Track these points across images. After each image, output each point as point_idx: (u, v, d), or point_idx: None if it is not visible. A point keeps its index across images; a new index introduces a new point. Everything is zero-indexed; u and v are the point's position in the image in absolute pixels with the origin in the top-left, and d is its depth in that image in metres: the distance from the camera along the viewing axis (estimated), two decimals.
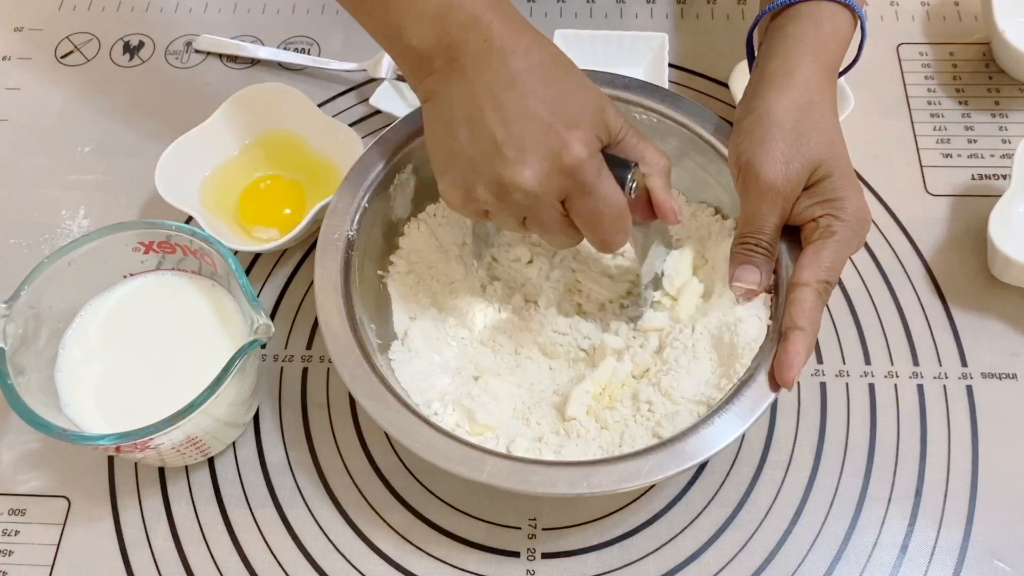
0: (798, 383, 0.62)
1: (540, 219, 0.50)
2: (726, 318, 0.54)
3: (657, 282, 0.59)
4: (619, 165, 0.50)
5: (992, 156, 0.72)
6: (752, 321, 0.53)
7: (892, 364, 0.63)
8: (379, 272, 0.61)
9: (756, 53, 0.60)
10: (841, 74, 0.59)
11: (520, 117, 0.47)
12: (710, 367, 0.54)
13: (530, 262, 0.62)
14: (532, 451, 0.53)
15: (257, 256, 0.68)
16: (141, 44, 0.80)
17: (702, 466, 0.59)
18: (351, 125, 0.68)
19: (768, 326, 0.53)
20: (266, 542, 0.57)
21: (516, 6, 0.52)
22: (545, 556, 0.56)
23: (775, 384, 0.50)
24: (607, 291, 0.61)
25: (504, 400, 0.56)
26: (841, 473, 0.59)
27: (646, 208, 0.53)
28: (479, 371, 0.58)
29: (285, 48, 0.79)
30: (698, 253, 0.61)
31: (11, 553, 0.57)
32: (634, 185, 0.51)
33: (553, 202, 0.49)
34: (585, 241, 0.51)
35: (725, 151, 0.58)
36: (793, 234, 0.54)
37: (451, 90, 0.49)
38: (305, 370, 0.63)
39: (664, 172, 0.53)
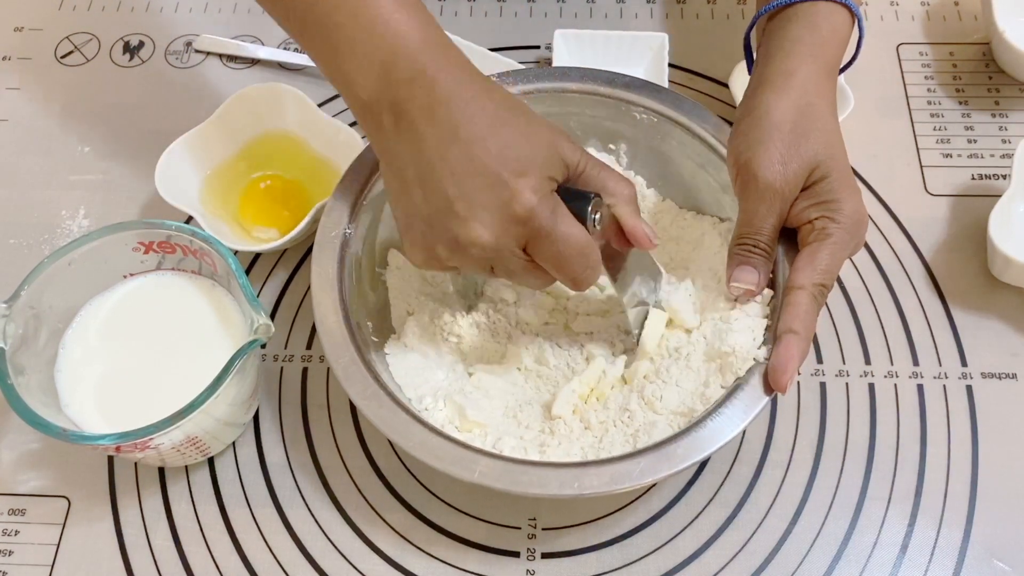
0: (797, 383, 0.62)
1: (506, 268, 0.50)
2: (720, 330, 0.54)
3: (646, 311, 0.57)
4: (577, 199, 0.49)
5: (992, 156, 0.72)
6: (745, 333, 0.53)
7: (892, 364, 0.63)
8: (377, 269, 0.61)
9: (754, 55, 0.60)
10: (840, 72, 0.59)
11: (468, 171, 0.47)
12: (700, 378, 0.54)
13: (516, 301, 0.61)
14: (518, 449, 0.53)
15: (257, 256, 0.68)
16: (141, 44, 0.80)
17: (701, 466, 0.59)
18: (351, 125, 0.68)
19: (761, 341, 0.53)
20: (266, 542, 0.57)
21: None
22: (545, 556, 0.56)
23: (769, 388, 0.50)
24: (602, 331, 0.60)
25: (496, 397, 0.56)
26: (841, 473, 0.59)
27: (621, 237, 0.52)
28: (473, 368, 0.58)
29: (285, 48, 0.79)
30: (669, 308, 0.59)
31: (11, 553, 0.57)
32: (597, 217, 0.50)
33: (514, 251, 0.48)
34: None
35: (724, 151, 0.58)
36: (791, 237, 0.54)
37: (402, 149, 0.48)
38: (305, 370, 0.63)
39: (630, 199, 0.52)
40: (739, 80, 0.72)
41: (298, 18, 0.50)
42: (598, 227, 0.50)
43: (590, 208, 0.49)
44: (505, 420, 0.56)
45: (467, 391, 0.56)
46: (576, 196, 0.49)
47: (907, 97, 0.75)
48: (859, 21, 0.58)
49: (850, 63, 0.61)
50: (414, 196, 0.48)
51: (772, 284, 0.54)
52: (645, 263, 0.57)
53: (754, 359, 0.52)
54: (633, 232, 0.52)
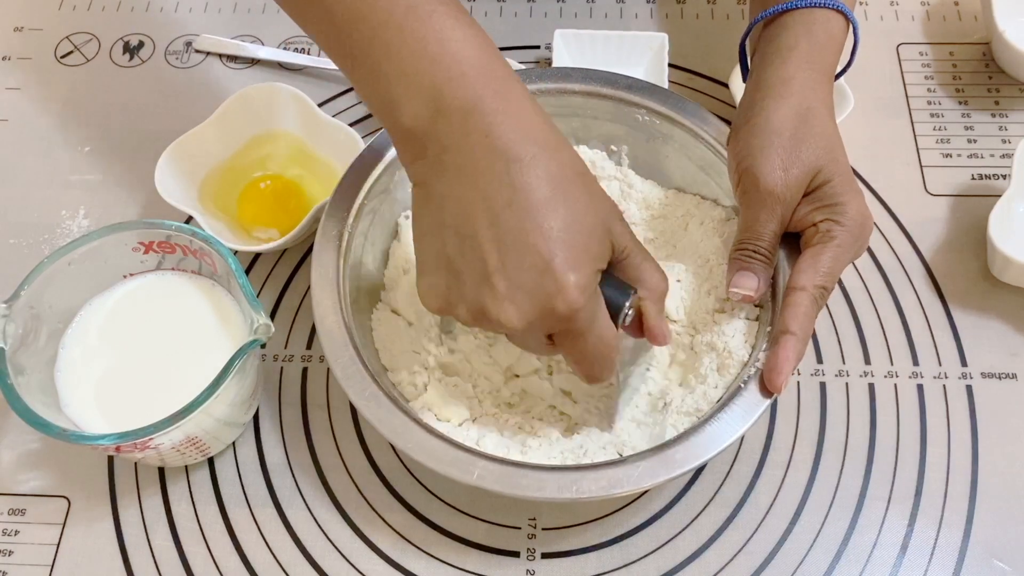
0: (797, 383, 0.62)
1: (522, 342, 0.48)
2: (714, 331, 0.55)
3: (631, 398, 0.56)
4: (617, 293, 0.47)
5: (992, 156, 0.72)
6: (738, 336, 0.54)
7: (892, 364, 0.63)
8: (376, 265, 0.61)
9: (749, 62, 0.60)
10: (836, 78, 0.59)
11: (517, 245, 0.43)
12: (699, 377, 0.54)
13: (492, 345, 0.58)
14: (500, 447, 0.53)
15: (257, 256, 0.68)
16: (141, 44, 0.80)
17: (701, 467, 0.59)
18: (351, 125, 0.68)
19: (753, 342, 0.54)
20: (266, 542, 0.57)
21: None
22: (545, 556, 0.56)
23: (765, 388, 0.50)
24: (583, 391, 0.57)
25: (479, 385, 0.57)
26: (841, 473, 0.59)
27: (635, 327, 0.50)
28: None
29: (285, 48, 0.79)
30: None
31: (11, 553, 0.57)
32: (630, 314, 0.48)
33: (538, 336, 0.46)
34: None
35: (726, 154, 0.58)
36: (793, 241, 0.54)
37: (443, 187, 0.44)
38: (305, 370, 0.63)
39: (661, 297, 0.50)
40: (739, 80, 0.71)
41: (338, 40, 0.45)
42: (627, 323, 0.48)
43: (628, 304, 0.47)
44: (485, 414, 0.56)
45: (448, 377, 0.56)
46: (616, 289, 0.47)
47: (907, 97, 0.75)
48: (854, 27, 0.58)
49: (845, 69, 0.61)
50: (447, 241, 0.44)
51: (773, 288, 0.54)
52: (646, 352, 0.55)
53: (755, 366, 0.52)
54: (653, 331, 0.50)
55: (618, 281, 0.48)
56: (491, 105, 0.43)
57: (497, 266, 0.43)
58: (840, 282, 0.66)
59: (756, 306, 0.56)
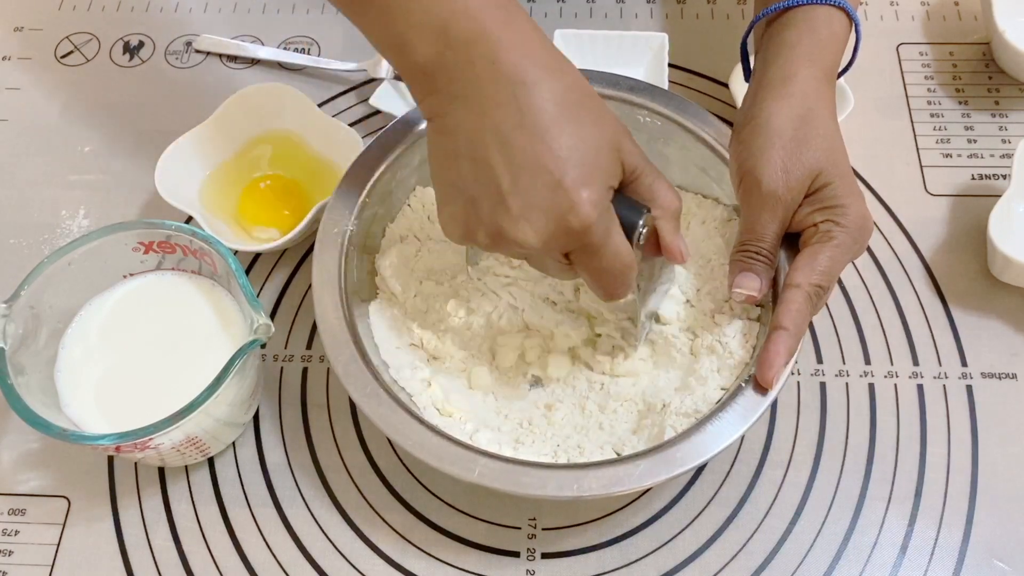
0: (797, 383, 0.62)
1: (541, 264, 0.49)
2: (714, 332, 0.55)
3: (655, 316, 0.58)
4: (630, 212, 0.48)
5: (992, 156, 0.72)
6: (738, 337, 0.53)
7: (892, 364, 0.63)
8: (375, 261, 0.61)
9: (751, 60, 0.60)
10: (838, 76, 0.59)
11: (528, 166, 0.44)
12: (699, 379, 0.54)
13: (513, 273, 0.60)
14: (493, 443, 0.53)
15: (257, 256, 0.68)
16: (141, 44, 0.80)
17: (701, 467, 0.59)
18: (351, 125, 0.68)
19: (753, 348, 0.54)
20: (266, 542, 0.57)
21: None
22: (545, 556, 0.56)
23: (760, 386, 0.50)
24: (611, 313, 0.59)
25: (482, 381, 0.57)
26: (841, 473, 0.59)
27: (653, 246, 0.51)
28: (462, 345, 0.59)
29: (285, 48, 0.79)
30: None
31: (11, 553, 0.57)
32: (644, 232, 0.49)
33: (556, 256, 0.47)
34: None
35: (728, 156, 0.58)
36: (794, 242, 0.54)
37: (455, 117, 0.46)
38: (305, 370, 0.63)
39: (675, 215, 0.50)
40: (739, 80, 0.72)
41: None
42: (641, 242, 0.49)
43: (641, 222, 0.48)
44: (486, 408, 0.56)
45: (451, 372, 0.56)
46: (629, 208, 0.48)
47: (907, 97, 0.75)
48: (856, 25, 0.58)
49: (847, 67, 0.61)
50: (463, 169, 0.46)
51: (774, 289, 0.54)
52: (667, 271, 0.56)
53: (755, 367, 0.52)
54: (670, 249, 0.51)
55: (631, 200, 0.49)
56: (495, 34, 0.44)
57: (510, 188, 0.44)
58: (840, 282, 0.66)
59: (757, 306, 0.56)
